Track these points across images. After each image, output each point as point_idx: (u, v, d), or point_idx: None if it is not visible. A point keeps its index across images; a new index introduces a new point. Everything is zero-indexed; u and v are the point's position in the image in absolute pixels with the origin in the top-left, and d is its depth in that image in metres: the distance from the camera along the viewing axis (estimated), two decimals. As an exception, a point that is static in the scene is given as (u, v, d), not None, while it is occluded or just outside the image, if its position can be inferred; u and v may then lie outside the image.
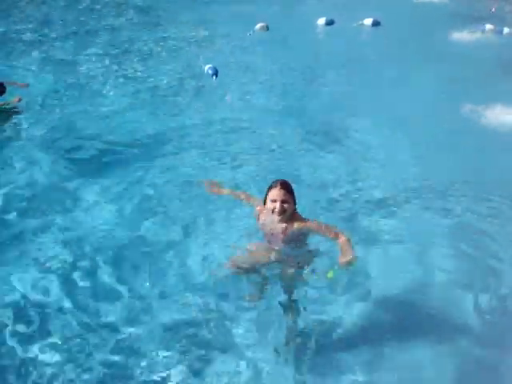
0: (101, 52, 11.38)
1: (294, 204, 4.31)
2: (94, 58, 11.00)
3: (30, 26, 13.25)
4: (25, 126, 7.90)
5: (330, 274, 4.32)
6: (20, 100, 8.04)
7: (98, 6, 15.35)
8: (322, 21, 13.30)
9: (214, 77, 9.65)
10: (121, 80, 9.98)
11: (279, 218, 4.25)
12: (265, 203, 4.32)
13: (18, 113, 8.10)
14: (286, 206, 4.23)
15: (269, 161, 6.99)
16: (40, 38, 12.27)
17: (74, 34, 12.65)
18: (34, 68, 10.38)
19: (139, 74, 10.29)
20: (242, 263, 4.44)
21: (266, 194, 4.29)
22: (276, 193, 4.21)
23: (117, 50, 11.52)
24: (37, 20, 13.80)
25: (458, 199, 6.13)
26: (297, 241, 4.35)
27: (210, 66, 9.79)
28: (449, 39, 12.40)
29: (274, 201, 4.22)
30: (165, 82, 9.85)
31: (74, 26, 13.29)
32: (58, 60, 10.91)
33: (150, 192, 6.23)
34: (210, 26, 13.02)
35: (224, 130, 7.84)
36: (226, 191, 5.02)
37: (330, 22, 13.32)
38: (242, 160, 6.97)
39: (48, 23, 13.48)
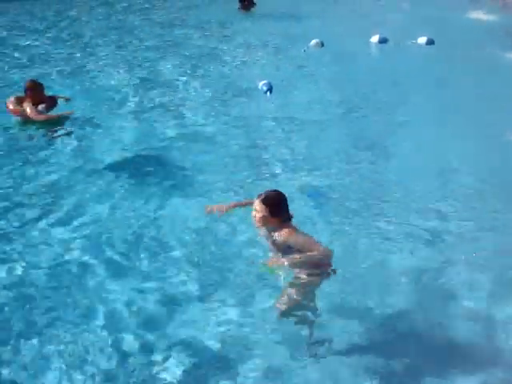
0: (157, 66, 11.80)
1: (274, 215, 4.51)
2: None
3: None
4: (74, 135, 8.30)
5: (261, 269, 4.88)
6: (73, 113, 8.43)
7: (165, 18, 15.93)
8: (375, 38, 13.41)
9: (268, 93, 9.85)
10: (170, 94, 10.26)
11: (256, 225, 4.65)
12: None
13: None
14: (254, 213, 4.57)
15: (316, 175, 7.19)
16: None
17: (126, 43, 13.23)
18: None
19: (194, 87, 10.59)
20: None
21: None
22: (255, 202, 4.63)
23: (170, 64, 11.91)
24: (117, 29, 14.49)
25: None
26: (287, 250, 4.51)
27: (265, 81, 10.03)
28: (503, 57, 12.38)
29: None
30: (219, 95, 10.06)
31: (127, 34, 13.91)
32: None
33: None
34: (264, 42, 13.27)
35: (270, 144, 8.07)
36: (232, 204, 5.30)
37: (383, 40, 13.41)
38: (287, 173, 7.22)
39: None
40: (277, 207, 4.55)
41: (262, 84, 10.02)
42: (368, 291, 5.06)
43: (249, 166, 7.41)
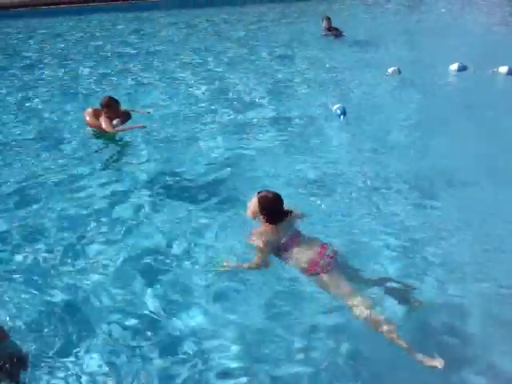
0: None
1: (263, 212, 5.20)
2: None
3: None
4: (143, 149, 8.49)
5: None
6: (144, 127, 8.57)
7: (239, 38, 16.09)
8: (454, 66, 13.06)
9: (342, 117, 9.73)
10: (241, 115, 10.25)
11: None
12: None
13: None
14: (248, 204, 5.34)
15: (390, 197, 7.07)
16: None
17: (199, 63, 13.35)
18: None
19: (267, 106, 10.58)
20: None
21: None
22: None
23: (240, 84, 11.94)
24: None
25: None
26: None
27: (339, 105, 9.91)
28: None
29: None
30: (295, 121, 9.93)
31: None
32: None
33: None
34: (340, 68, 13.14)
35: (341, 171, 7.91)
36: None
37: (462, 68, 13.04)
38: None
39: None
40: (267, 206, 5.18)
41: (335, 108, 9.92)
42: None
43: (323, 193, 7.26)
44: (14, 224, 6.48)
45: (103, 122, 8.17)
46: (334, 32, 15.24)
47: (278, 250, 5.10)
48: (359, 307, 4.57)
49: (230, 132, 9.36)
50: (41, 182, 7.50)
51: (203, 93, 11.40)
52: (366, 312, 4.53)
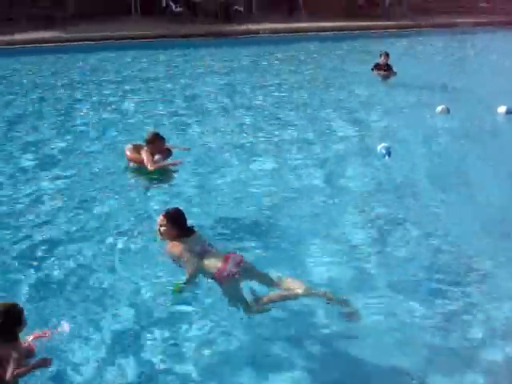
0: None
1: (173, 228, 5.58)
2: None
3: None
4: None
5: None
6: (180, 163, 8.55)
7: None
8: (502, 109, 12.73)
9: (387, 156, 9.53)
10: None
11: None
12: None
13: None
14: (157, 226, 5.70)
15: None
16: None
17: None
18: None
19: (315, 144, 10.45)
20: None
21: None
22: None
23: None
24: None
25: None
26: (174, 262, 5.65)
27: (384, 145, 9.69)
28: None
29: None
30: (339, 161, 9.72)
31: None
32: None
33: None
34: (388, 107, 12.95)
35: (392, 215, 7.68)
36: None
37: (510, 111, 12.72)
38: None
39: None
40: (175, 221, 5.59)
41: (380, 147, 9.69)
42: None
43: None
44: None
45: (145, 157, 8.15)
46: (386, 69, 14.94)
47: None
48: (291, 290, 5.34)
49: (269, 172, 9.23)
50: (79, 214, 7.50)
51: (236, 128, 11.36)
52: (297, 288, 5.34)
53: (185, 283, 5.45)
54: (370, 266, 6.42)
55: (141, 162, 8.28)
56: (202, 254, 5.46)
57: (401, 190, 8.55)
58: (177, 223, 5.60)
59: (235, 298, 5.33)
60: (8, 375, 4.03)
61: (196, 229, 5.79)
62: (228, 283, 5.32)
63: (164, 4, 23.23)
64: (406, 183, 8.79)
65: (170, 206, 5.97)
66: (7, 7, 22.54)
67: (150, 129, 9.52)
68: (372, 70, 15.11)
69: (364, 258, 6.59)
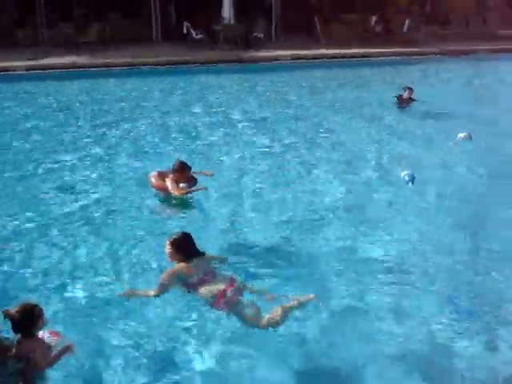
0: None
1: (178, 252, 5.95)
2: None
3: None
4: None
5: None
6: (206, 189, 8.58)
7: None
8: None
9: (410, 183, 9.52)
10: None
11: None
12: None
13: None
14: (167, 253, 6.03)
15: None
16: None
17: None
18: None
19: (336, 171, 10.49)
20: None
21: None
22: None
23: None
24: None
25: None
26: None
27: (407, 172, 9.69)
28: None
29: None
30: (361, 189, 9.77)
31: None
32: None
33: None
34: (408, 137, 12.93)
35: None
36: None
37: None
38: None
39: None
40: (179, 247, 5.93)
41: (404, 174, 9.69)
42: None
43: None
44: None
45: (169, 185, 8.18)
46: (409, 103, 14.95)
47: (187, 286, 5.82)
48: (273, 319, 5.64)
49: (294, 196, 9.34)
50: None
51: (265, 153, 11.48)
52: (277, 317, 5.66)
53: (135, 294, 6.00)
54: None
55: (165, 190, 8.33)
56: (202, 282, 5.78)
57: (423, 215, 8.57)
58: (181, 249, 5.95)
59: (242, 317, 5.69)
60: (42, 364, 4.60)
61: (204, 253, 6.14)
62: (229, 309, 5.70)
63: (185, 31, 23.47)
64: (428, 209, 8.81)
65: (178, 231, 6.29)
66: (32, 31, 23.04)
67: (176, 156, 9.57)
68: (396, 100, 15.12)
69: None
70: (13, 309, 4.63)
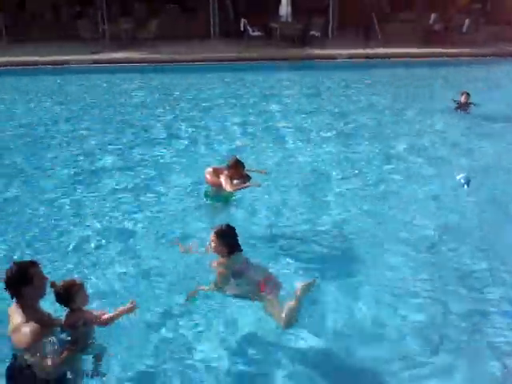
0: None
1: (222, 244, 6.00)
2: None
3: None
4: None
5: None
6: (259, 185, 8.59)
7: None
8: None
9: (466, 186, 9.44)
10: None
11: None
12: None
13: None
14: (212, 245, 6.09)
15: None
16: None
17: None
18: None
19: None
20: None
21: None
22: (211, 235, 6.14)
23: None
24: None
25: None
26: None
27: (463, 175, 9.67)
28: None
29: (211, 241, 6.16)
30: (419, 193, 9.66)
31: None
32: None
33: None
34: (466, 140, 12.71)
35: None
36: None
37: None
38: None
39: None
40: (225, 238, 5.98)
41: (459, 177, 9.66)
42: None
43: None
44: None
45: (223, 181, 8.30)
46: (467, 108, 14.69)
47: (233, 275, 5.96)
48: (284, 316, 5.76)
49: (346, 198, 9.41)
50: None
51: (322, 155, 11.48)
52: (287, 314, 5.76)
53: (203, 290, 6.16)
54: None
55: (219, 185, 8.46)
56: (243, 271, 6.00)
57: (480, 220, 8.47)
58: (226, 240, 6.01)
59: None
60: (94, 321, 4.99)
61: (242, 249, 6.23)
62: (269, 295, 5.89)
63: (242, 28, 23.65)
64: (484, 215, 8.67)
65: (223, 223, 6.25)
66: (93, 25, 23.71)
67: (232, 153, 9.88)
68: (455, 105, 14.85)
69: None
70: (59, 283, 4.92)
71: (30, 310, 4.71)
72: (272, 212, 8.81)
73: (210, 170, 8.69)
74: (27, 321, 4.61)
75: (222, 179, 8.36)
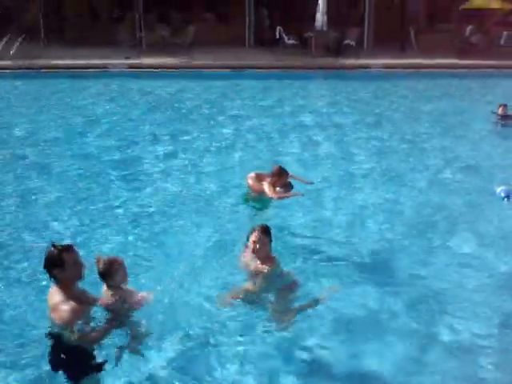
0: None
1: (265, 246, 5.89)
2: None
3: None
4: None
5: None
6: (302, 195, 8.66)
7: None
8: None
9: (506, 200, 9.34)
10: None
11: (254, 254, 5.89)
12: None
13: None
14: (256, 244, 5.81)
15: None
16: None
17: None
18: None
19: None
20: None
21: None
22: (255, 235, 5.86)
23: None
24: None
25: None
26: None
27: (503, 187, 9.52)
28: None
29: (253, 242, 5.85)
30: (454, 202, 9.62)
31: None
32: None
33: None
34: (503, 153, 12.59)
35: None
36: None
37: None
38: None
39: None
40: (269, 235, 5.94)
41: (499, 190, 9.53)
42: None
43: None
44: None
45: (267, 188, 8.31)
46: (506, 120, 14.57)
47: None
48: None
49: (385, 208, 9.41)
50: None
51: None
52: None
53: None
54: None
55: (261, 191, 8.49)
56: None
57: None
58: (270, 239, 5.96)
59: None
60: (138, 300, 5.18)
61: None
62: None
63: (277, 36, 23.80)
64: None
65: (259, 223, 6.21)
66: (130, 31, 24.09)
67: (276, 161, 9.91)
68: (497, 118, 14.71)
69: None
70: (103, 258, 5.13)
71: (67, 291, 4.81)
72: (308, 221, 8.84)
73: (252, 175, 8.64)
74: (65, 300, 4.72)
75: (265, 186, 8.37)
